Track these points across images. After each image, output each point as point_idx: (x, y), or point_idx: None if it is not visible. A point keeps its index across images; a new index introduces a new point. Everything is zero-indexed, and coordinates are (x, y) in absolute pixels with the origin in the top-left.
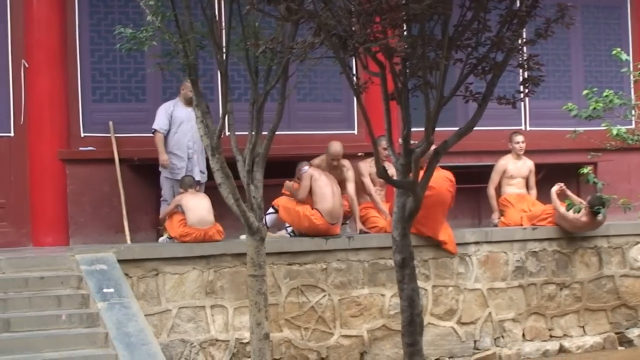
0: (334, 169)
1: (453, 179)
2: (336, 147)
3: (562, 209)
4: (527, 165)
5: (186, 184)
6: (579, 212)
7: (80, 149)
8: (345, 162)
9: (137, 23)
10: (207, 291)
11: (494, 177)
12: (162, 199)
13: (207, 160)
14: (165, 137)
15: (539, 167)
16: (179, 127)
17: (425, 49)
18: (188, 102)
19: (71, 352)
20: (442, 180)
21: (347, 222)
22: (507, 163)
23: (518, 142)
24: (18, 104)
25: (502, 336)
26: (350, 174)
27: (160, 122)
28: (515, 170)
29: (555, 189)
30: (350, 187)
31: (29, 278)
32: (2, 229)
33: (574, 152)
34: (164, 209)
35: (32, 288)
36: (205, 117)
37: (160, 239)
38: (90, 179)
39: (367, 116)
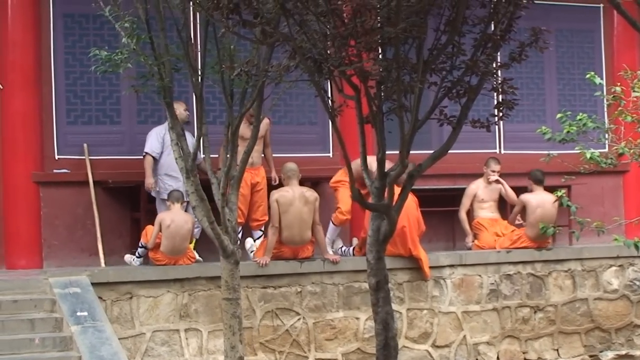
0: None
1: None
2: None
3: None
4: (498, 188)
5: (174, 197)
6: (553, 234)
7: (55, 171)
8: None
9: (112, 45)
10: (182, 314)
11: (465, 202)
12: None
13: None
14: (157, 160)
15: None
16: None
17: (400, 73)
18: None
19: None
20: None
21: None
22: (477, 188)
23: (494, 171)
24: None
25: (477, 359)
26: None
27: (152, 145)
28: (486, 194)
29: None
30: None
31: (2, 301)
32: None
33: (548, 175)
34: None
35: (5, 311)
36: (180, 139)
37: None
38: (64, 201)
39: (342, 139)
